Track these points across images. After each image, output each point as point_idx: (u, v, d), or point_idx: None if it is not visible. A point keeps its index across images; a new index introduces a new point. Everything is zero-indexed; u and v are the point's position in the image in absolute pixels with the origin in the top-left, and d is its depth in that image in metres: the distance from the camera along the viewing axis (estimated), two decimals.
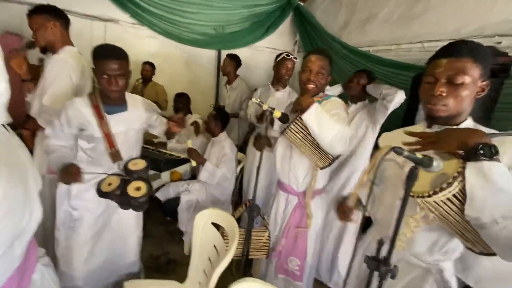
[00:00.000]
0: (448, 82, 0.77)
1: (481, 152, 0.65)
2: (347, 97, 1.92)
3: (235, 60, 2.85)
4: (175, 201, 2.21)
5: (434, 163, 0.68)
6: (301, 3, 3.62)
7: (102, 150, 1.31)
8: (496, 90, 1.76)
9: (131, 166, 1.34)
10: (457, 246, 0.86)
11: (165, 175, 2.53)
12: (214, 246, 1.37)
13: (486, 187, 0.64)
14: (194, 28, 3.20)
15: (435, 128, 0.87)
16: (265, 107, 1.18)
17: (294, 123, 1.21)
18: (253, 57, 3.65)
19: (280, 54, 2.17)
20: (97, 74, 1.21)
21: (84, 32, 2.81)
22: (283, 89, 2.15)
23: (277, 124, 1.59)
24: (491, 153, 0.65)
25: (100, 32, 2.98)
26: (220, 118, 2.21)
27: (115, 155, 1.32)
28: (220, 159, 2.15)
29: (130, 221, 1.51)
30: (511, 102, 1.83)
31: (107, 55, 1.19)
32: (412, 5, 2.65)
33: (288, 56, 2.08)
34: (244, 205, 1.46)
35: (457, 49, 0.77)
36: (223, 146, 2.17)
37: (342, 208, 1.06)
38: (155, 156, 2.26)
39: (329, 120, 1.17)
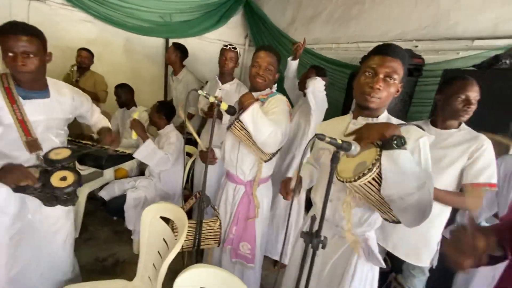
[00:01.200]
0: (383, 78, 0.90)
1: (395, 142, 0.79)
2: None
3: (181, 50, 2.73)
4: (121, 199, 2.09)
5: (353, 147, 0.81)
6: None
7: (15, 138, 1.16)
8: (411, 87, 2.08)
9: (53, 156, 1.22)
10: (377, 218, 1.03)
11: (109, 173, 2.36)
12: (164, 240, 1.36)
13: (396, 171, 0.78)
14: (138, 15, 2.99)
15: (360, 120, 1.02)
16: (211, 99, 1.19)
17: (237, 121, 1.27)
18: (203, 49, 3.58)
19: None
20: (3, 52, 1.08)
21: (1, 12, 2.40)
22: (230, 81, 2.16)
23: (226, 117, 1.62)
24: (402, 143, 0.79)
25: (22, 13, 2.58)
26: (163, 111, 2.14)
27: (32, 145, 1.18)
28: (164, 143, 2.10)
29: (58, 220, 1.37)
30: (423, 97, 2.19)
31: (12, 31, 1.06)
32: (349, 7, 2.91)
33: (226, 46, 2.04)
34: (194, 197, 1.47)
35: (395, 50, 0.90)
36: (168, 136, 2.12)
37: (285, 189, 1.15)
38: (96, 152, 2.09)
39: (265, 121, 1.23)
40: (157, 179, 2.21)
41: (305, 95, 2.04)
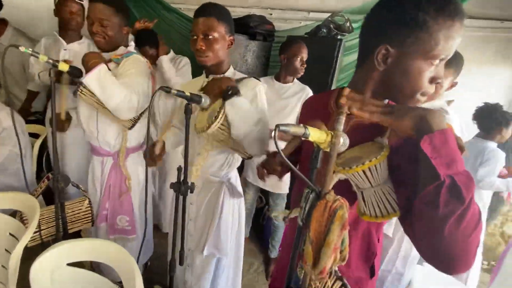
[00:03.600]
0: (204, 38, 1.00)
1: (230, 92, 0.93)
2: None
3: None
4: None
5: (203, 99, 0.92)
6: None
7: None
8: (267, 51, 2.41)
9: None
10: (235, 160, 1.23)
11: None
12: (11, 235, 1.13)
13: (236, 114, 0.94)
14: None
15: (210, 77, 1.13)
16: (43, 58, 0.99)
17: (82, 86, 1.13)
18: (32, 1, 2.71)
19: None
20: None
21: None
22: (78, 40, 1.80)
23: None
24: (236, 91, 0.95)
25: None
26: None
27: None
28: None
29: None
30: (277, 60, 2.59)
31: None
32: None
33: None
34: (46, 179, 1.25)
35: (207, 10, 1.00)
36: None
37: (150, 155, 1.15)
38: None
39: (115, 85, 1.14)
40: None
41: None
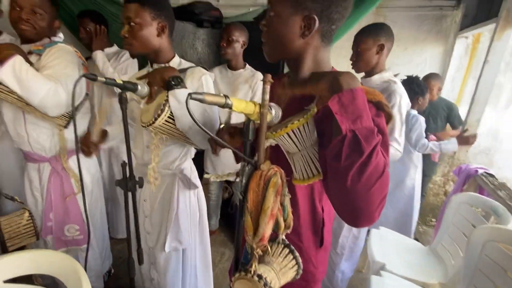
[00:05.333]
0: (129, 25, 0.94)
1: (172, 82, 0.89)
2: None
3: None
4: None
5: (139, 87, 0.86)
6: None
7: None
8: (217, 38, 2.34)
9: None
10: (187, 151, 1.19)
11: None
12: None
13: (179, 106, 0.90)
14: None
15: (155, 66, 1.07)
16: None
17: None
18: None
19: None
20: None
21: None
22: None
23: None
24: (178, 82, 0.91)
25: None
26: None
27: None
28: None
29: None
30: None
31: None
32: None
33: None
34: None
35: None
36: None
37: (86, 144, 1.08)
38: None
39: (36, 77, 1.01)
40: None
41: None
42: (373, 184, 0.46)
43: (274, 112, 0.55)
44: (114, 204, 2.06)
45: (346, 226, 1.47)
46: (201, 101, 0.43)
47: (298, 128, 0.54)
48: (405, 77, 1.90)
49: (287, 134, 0.54)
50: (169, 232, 1.15)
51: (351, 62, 1.45)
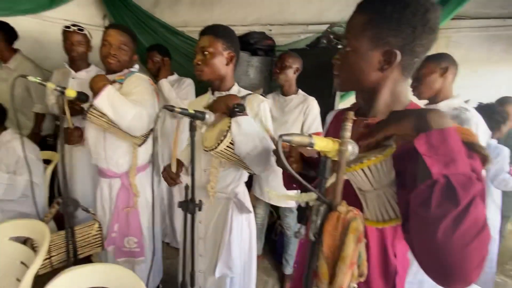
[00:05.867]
0: (202, 54, 1.04)
1: (237, 110, 0.94)
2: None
3: (4, 30, 2.09)
4: None
5: (206, 116, 0.92)
6: None
7: None
8: (269, 65, 2.44)
9: None
10: (242, 175, 1.21)
11: None
12: (22, 263, 1.12)
13: (240, 133, 0.94)
14: None
15: (216, 94, 1.14)
16: (50, 86, 1.02)
17: (92, 108, 1.16)
18: (44, 31, 2.88)
19: None
20: None
21: None
22: (86, 68, 1.88)
23: None
24: (242, 109, 0.95)
25: None
26: None
27: None
28: (15, 165, 1.65)
29: None
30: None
31: None
32: None
33: (69, 28, 1.75)
34: (56, 204, 1.26)
35: (206, 29, 1.06)
36: (12, 148, 1.62)
37: (168, 175, 1.15)
38: None
39: (125, 103, 1.16)
40: (6, 200, 1.72)
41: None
42: (470, 241, 0.40)
43: (351, 149, 0.52)
44: (170, 214, 2.17)
45: (410, 271, 1.29)
46: (289, 142, 0.43)
47: (375, 165, 0.50)
48: (478, 104, 1.70)
49: (362, 170, 0.51)
50: (220, 257, 1.15)
51: (411, 88, 1.35)
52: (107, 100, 1.11)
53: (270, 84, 2.54)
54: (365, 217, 0.56)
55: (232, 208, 1.17)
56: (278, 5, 2.77)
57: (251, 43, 2.25)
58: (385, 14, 0.56)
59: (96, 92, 1.11)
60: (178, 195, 2.05)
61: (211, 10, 3.05)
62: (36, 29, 2.76)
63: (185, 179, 1.25)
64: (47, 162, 2.06)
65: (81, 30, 1.77)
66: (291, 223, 1.89)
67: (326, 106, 1.74)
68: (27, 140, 1.72)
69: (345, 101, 2.56)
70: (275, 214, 2.35)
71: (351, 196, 0.57)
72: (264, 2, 2.85)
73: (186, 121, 1.97)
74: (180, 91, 1.94)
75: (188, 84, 2.00)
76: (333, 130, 0.81)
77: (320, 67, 1.95)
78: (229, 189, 1.17)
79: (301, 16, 2.68)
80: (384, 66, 0.59)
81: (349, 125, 0.48)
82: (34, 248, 1.15)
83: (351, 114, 0.48)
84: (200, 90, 2.12)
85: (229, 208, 1.17)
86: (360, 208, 0.56)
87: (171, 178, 1.14)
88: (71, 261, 1.24)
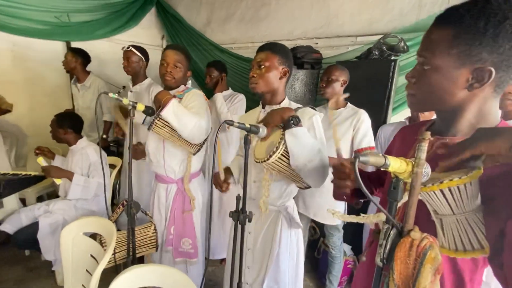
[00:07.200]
0: (258, 68, 1.09)
1: (291, 122, 0.95)
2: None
3: (80, 55, 2.51)
4: (31, 228, 1.80)
5: (260, 130, 0.95)
6: None
7: None
8: (315, 78, 2.43)
9: None
10: (293, 189, 1.21)
11: (10, 201, 2.00)
12: (92, 256, 1.26)
13: (297, 144, 0.94)
14: (26, 14, 2.56)
15: (267, 108, 1.18)
16: (125, 101, 1.17)
17: (157, 119, 1.28)
18: (114, 52, 3.30)
19: None
20: None
21: None
22: (141, 82, 2.12)
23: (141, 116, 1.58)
24: (297, 122, 0.96)
25: None
26: (66, 124, 1.88)
27: None
28: (88, 168, 1.90)
29: None
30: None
31: None
32: (258, 9, 3.16)
33: (125, 48, 2.06)
34: (121, 205, 1.40)
35: (264, 46, 1.12)
36: (86, 154, 1.89)
37: (216, 181, 1.23)
38: None
39: (187, 114, 1.29)
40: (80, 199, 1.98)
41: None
42: None
43: (424, 171, 0.49)
44: (212, 225, 2.25)
45: None
46: (365, 162, 0.43)
47: (458, 187, 0.46)
48: None
49: (441, 191, 0.47)
50: (268, 271, 1.14)
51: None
52: (172, 111, 1.23)
53: (316, 97, 2.52)
54: (439, 245, 0.51)
55: (281, 222, 1.16)
56: (326, 18, 2.76)
57: (298, 57, 2.27)
58: (477, 28, 0.50)
59: (162, 104, 1.23)
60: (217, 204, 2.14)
61: (258, 27, 3.18)
62: (107, 50, 3.20)
63: (232, 188, 1.32)
64: (111, 166, 2.32)
65: (136, 48, 2.04)
66: (337, 242, 1.80)
67: (377, 120, 1.66)
68: (97, 147, 1.99)
69: (398, 114, 2.41)
70: (318, 231, 2.27)
71: (422, 220, 0.53)
72: (310, 16, 2.88)
73: (231, 133, 2.08)
74: (231, 105, 2.04)
75: (240, 100, 2.11)
76: (399, 147, 0.76)
77: (371, 79, 1.87)
78: (279, 202, 1.17)
79: (350, 28, 2.64)
80: (473, 85, 0.53)
81: (425, 146, 0.45)
82: (102, 243, 1.29)
83: (428, 135, 0.45)
84: (251, 105, 2.22)
85: (279, 221, 1.17)
86: (432, 233, 0.52)
87: (220, 185, 1.22)
88: (130, 258, 1.36)
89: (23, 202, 2.22)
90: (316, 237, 2.27)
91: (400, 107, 2.34)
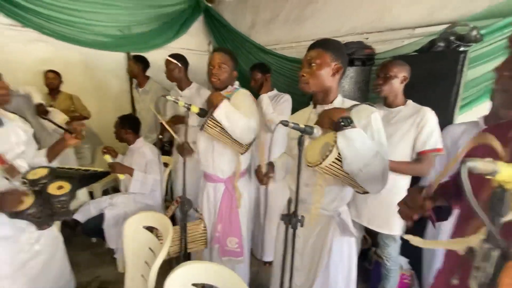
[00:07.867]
0: (309, 66, 1.04)
1: (342, 123, 0.89)
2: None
3: (141, 62, 2.75)
4: (98, 219, 2.02)
5: (315, 130, 0.91)
6: (209, 4, 3.74)
7: None
8: (367, 75, 2.27)
9: (31, 176, 1.22)
10: (348, 193, 1.13)
11: (82, 194, 2.27)
12: (150, 249, 1.36)
13: (350, 147, 0.88)
14: (95, 29, 2.92)
15: (318, 108, 1.12)
16: (181, 103, 1.24)
17: (209, 120, 1.32)
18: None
19: None
20: None
21: None
22: (188, 86, 2.22)
23: (194, 118, 1.65)
24: (349, 122, 0.89)
25: None
26: (128, 125, 2.12)
27: (10, 171, 1.17)
28: (145, 166, 2.08)
29: (55, 239, 1.39)
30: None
31: None
32: (303, 8, 3.09)
33: (168, 57, 2.18)
34: (175, 202, 1.49)
35: (315, 44, 1.06)
36: (143, 153, 2.08)
37: (258, 174, 1.20)
38: (66, 173, 2.01)
39: (238, 114, 1.32)
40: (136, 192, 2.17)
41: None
42: None
43: None
44: (257, 226, 2.25)
45: None
46: (473, 168, 0.36)
47: None
48: None
49: None
50: (317, 279, 1.09)
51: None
52: (224, 112, 1.28)
53: (367, 95, 2.36)
54: None
55: (333, 228, 1.10)
56: (377, 12, 2.57)
57: (348, 54, 2.14)
58: None
59: (214, 105, 1.27)
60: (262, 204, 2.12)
61: (303, 26, 3.11)
62: (161, 57, 3.45)
63: (277, 189, 1.30)
64: (164, 165, 2.49)
65: (175, 57, 2.14)
66: (393, 253, 1.64)
67: (442, 119, 1.46)
68: (154, 147, 2.15)
69: (465, 112, 2.12)
70: (369, 240, 2.10)
71: None
72: (359, 10, 2.71)
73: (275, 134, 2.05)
74: (277, 106, 2.02)
75: (285, 100, 2.08)
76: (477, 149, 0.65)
77: (434, 74, 1.67)
78: (332, 206, 1.11)
79: (406, 19, 2.40)
80: None
81: None
82: (158, 238, 1.38)
83: None
84: (297, 106, 2.17)
85: (330, 226, 1.10)
86: None
87: (260, 178, 1.20)
88: (182, 253, 1.43)
89: (91, 195, 2.51)
90: (367, 246, 2.11)
91: (468, 105, 2.05)
